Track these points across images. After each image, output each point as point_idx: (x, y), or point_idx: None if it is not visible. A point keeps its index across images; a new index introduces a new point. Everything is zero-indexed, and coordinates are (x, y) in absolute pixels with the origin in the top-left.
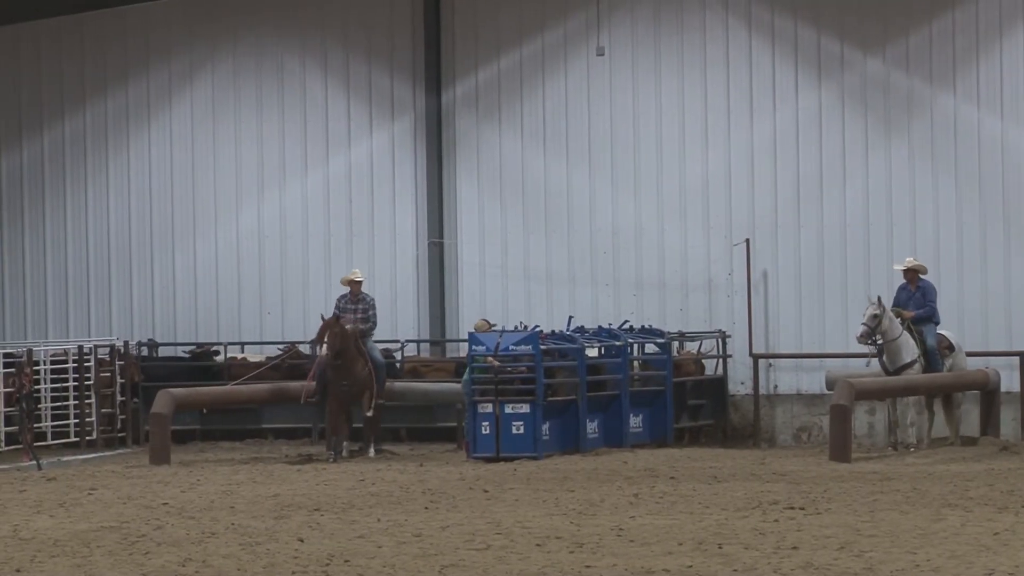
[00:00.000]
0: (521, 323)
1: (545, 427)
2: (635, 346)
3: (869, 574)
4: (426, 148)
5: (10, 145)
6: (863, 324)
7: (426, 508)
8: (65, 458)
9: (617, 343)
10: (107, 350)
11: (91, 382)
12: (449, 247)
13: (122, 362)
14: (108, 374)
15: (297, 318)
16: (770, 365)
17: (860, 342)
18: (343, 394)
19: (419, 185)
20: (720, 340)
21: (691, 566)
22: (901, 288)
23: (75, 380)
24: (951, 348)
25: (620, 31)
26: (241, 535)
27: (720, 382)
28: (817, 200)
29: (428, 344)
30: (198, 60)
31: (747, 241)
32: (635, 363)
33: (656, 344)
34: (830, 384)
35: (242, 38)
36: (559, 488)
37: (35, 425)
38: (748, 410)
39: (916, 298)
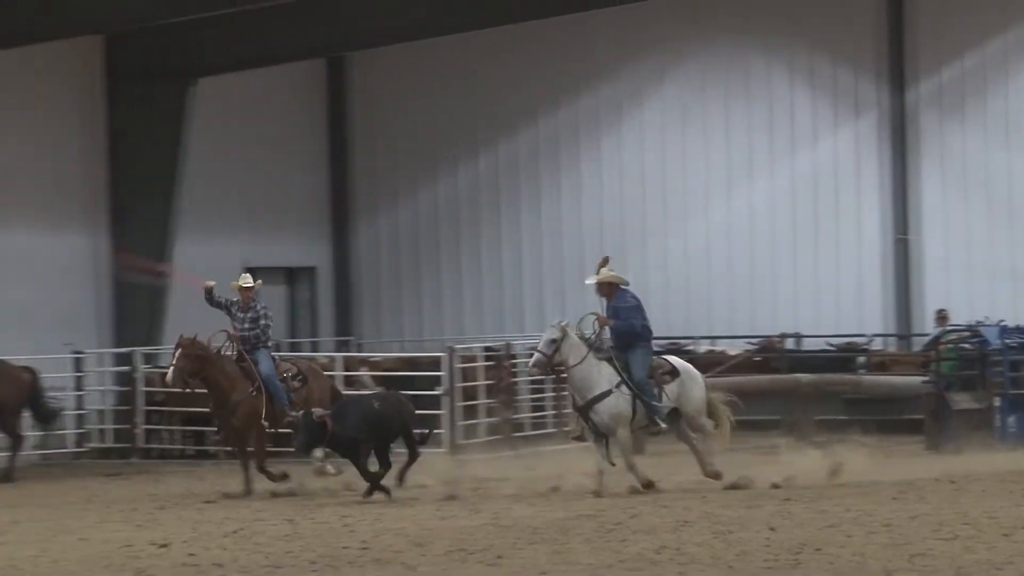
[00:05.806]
0: (986, 317)
1: (1011, 419)
2: None
3: None
4: (890, 146)
5: (489, 145)
6: (539, 352)
7: (894, 499)
8: (543, 449)
9: None
10: None
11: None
12: (913, 243)
13: None
14: None
15: (767, 313)
16: None
17: (534, 374)
18: (224, 432)
19: (883, 182)
20: None
21: None
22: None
23: None
24: (673, 373)
25: None
26: (713, 523)
27: None
28: None
29: (894, 338)
30: (669, 60)
31: None
32: None
33: None
34: None
35: (710, 39)
36: None
37: (513, 417)
38: None
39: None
